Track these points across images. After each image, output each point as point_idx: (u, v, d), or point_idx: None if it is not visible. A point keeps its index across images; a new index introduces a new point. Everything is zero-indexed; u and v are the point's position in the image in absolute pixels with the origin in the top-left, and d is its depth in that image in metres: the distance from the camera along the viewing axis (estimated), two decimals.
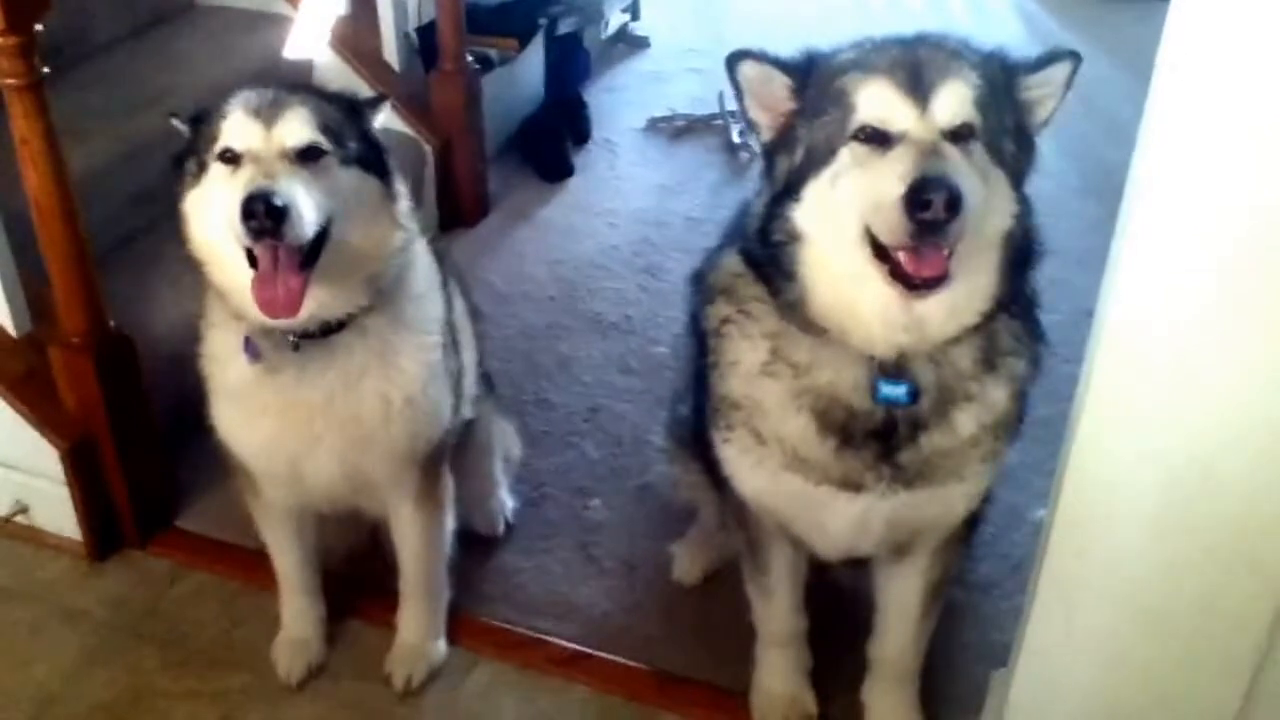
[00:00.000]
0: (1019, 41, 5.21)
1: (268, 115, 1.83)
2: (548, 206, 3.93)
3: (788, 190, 1.61)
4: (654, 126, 4.37)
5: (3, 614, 2.48)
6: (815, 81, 1.61)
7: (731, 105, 4.32)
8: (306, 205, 1.76)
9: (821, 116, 1.58)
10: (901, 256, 1.52)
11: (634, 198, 3.98)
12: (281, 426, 2.02)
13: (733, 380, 1.80)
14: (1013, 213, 1.60)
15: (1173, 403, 1.49)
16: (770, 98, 1.64)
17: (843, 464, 1.74)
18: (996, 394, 1.74)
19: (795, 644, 2.17)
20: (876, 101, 1.53)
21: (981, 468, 1.79)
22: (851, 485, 1.77)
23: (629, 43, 4.99)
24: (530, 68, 4.25)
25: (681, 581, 2.49)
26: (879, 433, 1.71)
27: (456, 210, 3.78)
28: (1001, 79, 1.60)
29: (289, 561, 2.32)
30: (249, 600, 2.48)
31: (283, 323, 1.85)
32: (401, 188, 2.00)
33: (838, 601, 2.26)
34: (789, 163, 1.62)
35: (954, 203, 1.44)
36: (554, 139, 4.19)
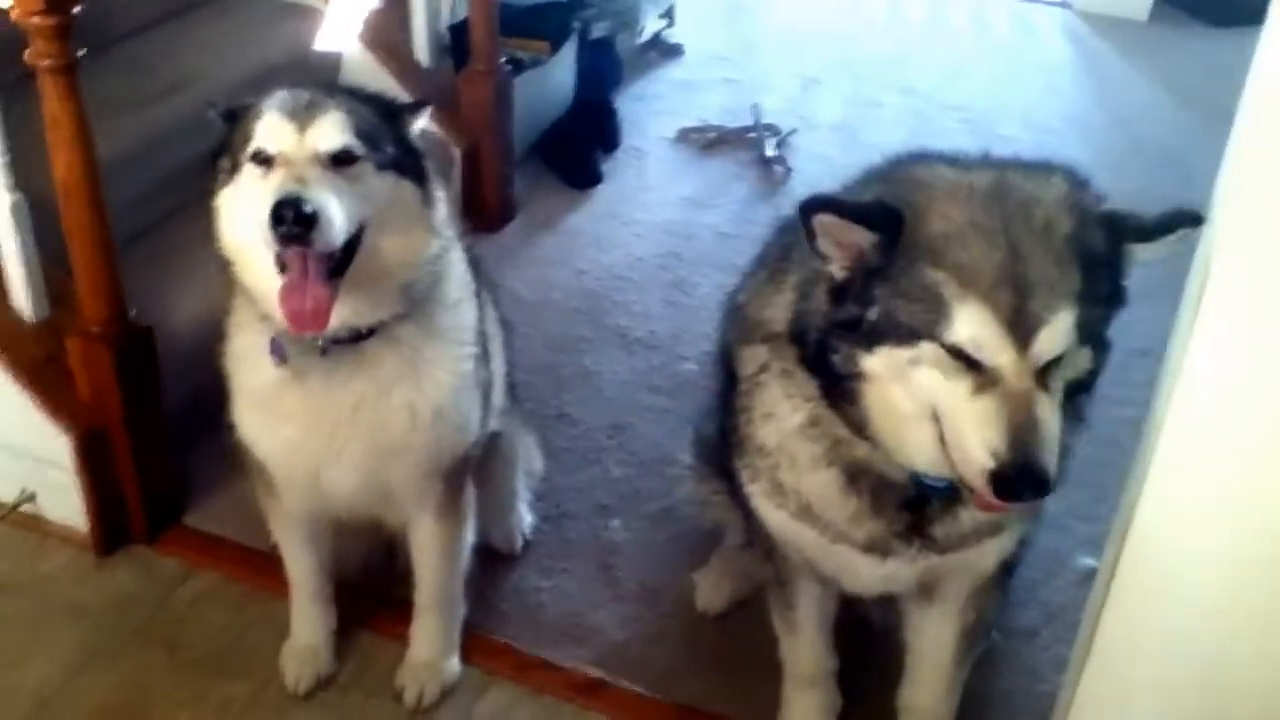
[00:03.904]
0: (1065, 63, 5.16)
1: (302, 118, 1.77)
2: (574, 214, 3.85)
3: (857, 331, 1.49)
4: (685, 137, 4.29)
5: (5, 605, 2.41)
6: (904, 249, 1.45)
7: (766, 119, 4.32)
8: (337, 212, 1.70)
9: (906, 299, 1.45)
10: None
11: (662, 209, 3.90)
12: (305, 433, 1.96)
13: (764, 431, 1.73)
14: (1085, 371, 1.52)
15: (1248, 461, 1.42)
16: (846, 242, 1.49)
17: (867, 530, 1.69)
18: None
19: (824, 684, 2.11)
20: (974, 331, 1.41)
21: (1019, 523, 1.75)
22: (877, 551, 1.72)
23: (662, 50, 4.91)
24: (561, 72, 4.18)
25: (705, 611, 2.42)
26: (910, 503, 1.65)
27: (481, 214, 3.71)
28: (1104, 248, 1.47)
29: (302, 568, 2.25)
30: (257, 604, 2.41)
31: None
32: (440, 193, 1.94)
33: (870, 641, 2.20)
34: (861, 312, 1.49)
35: (1041, 490, 1.41)
36: (582, 145, 4.11)
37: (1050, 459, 1.41)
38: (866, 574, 1.81)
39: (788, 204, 3.80)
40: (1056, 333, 1.42)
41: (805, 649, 2.07)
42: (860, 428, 1.57)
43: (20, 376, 2.43)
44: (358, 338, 1.88)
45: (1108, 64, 5.04)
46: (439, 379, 1.97)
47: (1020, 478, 1.40)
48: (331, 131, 1.77)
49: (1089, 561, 2.38)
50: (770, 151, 4.15)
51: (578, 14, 4.21)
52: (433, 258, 1.90)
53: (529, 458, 2.61)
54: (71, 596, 2.43)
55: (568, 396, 3.03)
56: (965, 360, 1.43)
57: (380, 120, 1.86)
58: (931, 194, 1.48)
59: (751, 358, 1.74)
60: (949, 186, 1.49)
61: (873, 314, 1.48)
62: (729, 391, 1.84)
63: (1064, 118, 4.62)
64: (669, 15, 4.94)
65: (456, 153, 3.60)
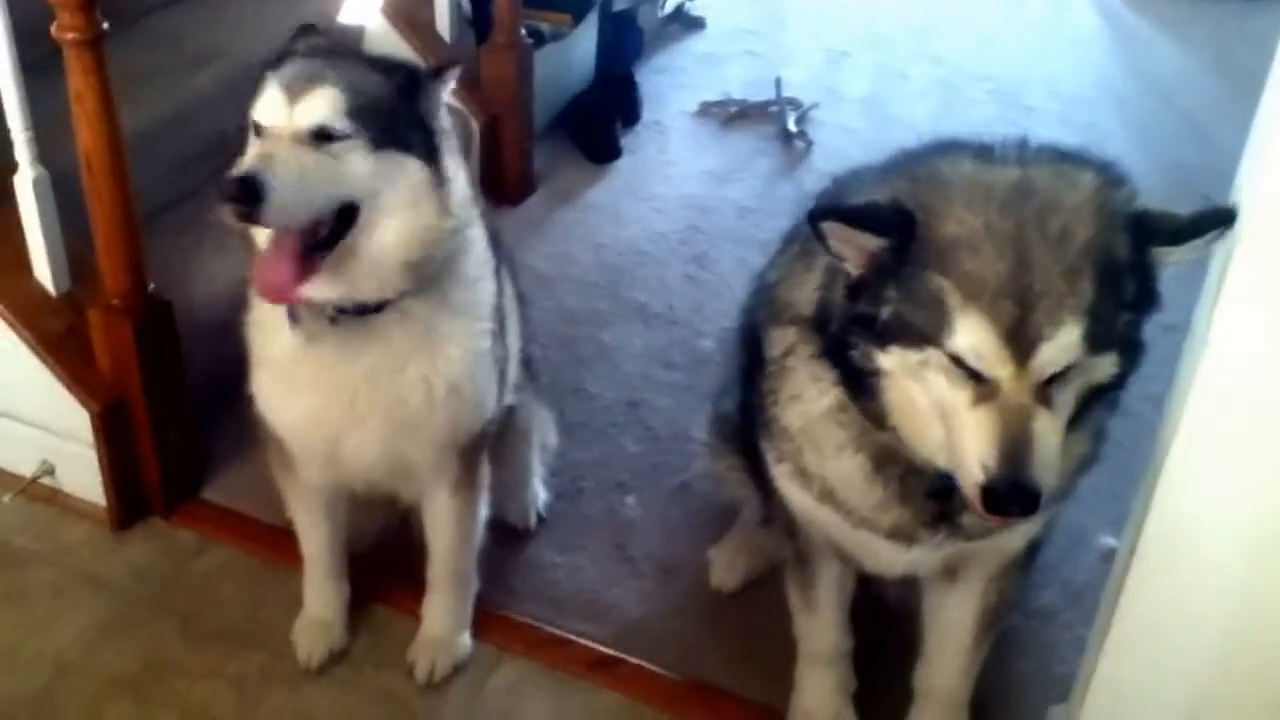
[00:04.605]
0: (1096, 33, 5.10)
1: (297, 91, 1.74)
2: (594, 188, 3.83)
3: (872, 329, 1.48)
4: (706, 110, 4.26)
5: (24, 577, 2.43)
6: (915, 253, 1.43)
7: (791, 92, 4.27)
8: (295, 190, 1.68)
9: (913, 303, 1.43)
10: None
11: (683, 183, 3.88)
12: (323, 403, 1.96)
13: (789, 413, 1.72)
14: (1111, 375, 1.48)
15: (1272, 438, 1.41)
16: (858, 245, 1.48)
17: (893, 518, 1.68)
18: (1077, 441, 1.64)
19: (839, 664, 2.09)
20: (973, 342, 1.40)
21: (1053, 505, 1.72)
22: (903, 537, 1.71)
23: (684, 22, 4.87)
24: (582, 44, 4.16)
25: (720, 588, 2.41)
26: (938, 492, 1.63)
27: (500, 188, 3.69)
28: (1129, 253, 1.43)
29: (317, 541, 2.26)
30: (273, 578, 2.41)
31: (318, 298, 1.81)
32: (456, 172, 1.89)
33: (886, 621, 2.18)
34: (875, 310, 1.47)
35: (1029, 508, 1.40)
36: (603, 119, 4.09)
37: (1042, 476, 1.40)
38: (890, 558, 1.81)
39: (809, 178, 3.83)
40: (1059, 348, 1.39)
41: (822, 628, 2.06)
42: (880, 422, 1.56)
43: (41, 350, 2.43)
44: (367, 310, 1.86)
45: (1140, 34, 4.97)
46: (453, 354, 1.96)
47: (1008, 494, 1.40)
48: (317, 107, 1.73)
49: (1110, 540, 2.36)
50: (791, 125, 4.11)
51: None
52: (445, 237, 1.86)
53: (544, 433, 2.60)
54: (90, 568, 2.45)
55: (584, 372, 3.02)
56: (967, 370, 1.42)
57: (391, 94, 1.80)
58: (949, 195, 1.44)
59: (779, 339, 1.72)
60: (967, 186, 1.45)
61: (885, 313, 1.47)
62: (754, 370, 1.83)
63: (1094, 88, 4.56)
64: None
65: (476, 126, 3.57)
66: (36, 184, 2.34)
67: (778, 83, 4.28)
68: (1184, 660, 1.60)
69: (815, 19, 5.00)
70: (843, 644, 2.08)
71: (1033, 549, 1.90)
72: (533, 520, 2.55)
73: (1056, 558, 2.41)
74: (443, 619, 2.27)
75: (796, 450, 1.73)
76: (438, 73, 1.86)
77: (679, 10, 4.87)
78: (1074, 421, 1.52)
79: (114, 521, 2.52)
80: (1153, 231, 1.43)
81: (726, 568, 2.43)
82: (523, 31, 3.63)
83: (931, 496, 1.64)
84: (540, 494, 2.58)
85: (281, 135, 1.73)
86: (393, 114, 1.79)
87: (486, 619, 2.33)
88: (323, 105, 1.73)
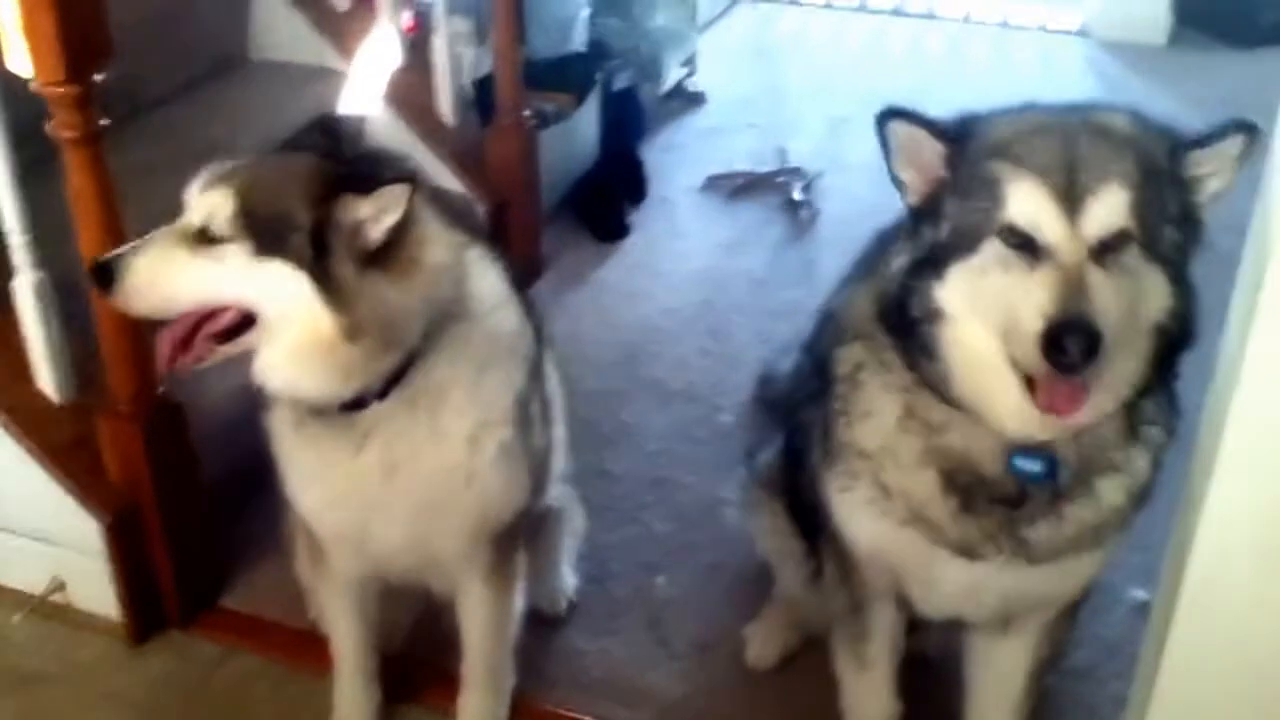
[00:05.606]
0: (1087, 91, 5.08)
1: (201, 188, 1.75)
2: (603, 268, 3.81)
3: (931, 262, 1.55)
4: (712, 184, 4.25)
5: (41, 699, 2.35)
6: (969, 154, 1.53)
7: (795, 162, 4.27)
8: (149, 281, 1.73)
9: (970, 199, 1.51)
10: (1036, 383, 1.48)
11: (693, 258, 3.86)
12: (341, 490, 1.90)
13: (863, 430, 1.73)
14: (1167, 307, 1.51)
15: None
16: (920, 160, 1.57)
17: (960, 528, 1.67)
18: (1140, 462, 1.66)
19: None
20: (1025, 204, 1.46)
21: (1117, 535, 1.71)
22: (966, 552, 1.68)
23: (686, 98, 4.89)
24: (586, 124, 4.15)
25: (756, 665, 2.35)
26: (1006, 501, 1.63)
27: (510, 270, 3.66)
28: (1166, 162, 1.51)
29: (349, 638, 2.19)
30: (298, 685, 2.33)
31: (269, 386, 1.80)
32: (391, 303, 1.72)
33: (926, 686, 2.11)
34: (934, 235, 1.56)
35: (1092, 349, 1.39)
36: (610, 198, 4.08)
37: (1100, 320, 1.41)
38: (955, 580, 1.76)
39: (816, 246, 3.80)
40: (1108, 206, 1.44)
41: (874, 687, 2.00)
42: (945, 386, 1.57)
43: (47, 461, 2.38)
44: (353, 404, 1.80)
45: (1129, 89, 5.01)
46: (461, 446, 1.88)
47: (1066, 330, 1.40)
48: (203, 208, 1.72)
49: (1141, 593, 2.34)
50: (796, 194, 4.10)
51: (600, 65, 4.19)
52: (360, 350, 1.72)
53: (572, 516, 2.53)
54: (108, 686, 2.37)
55: (606, 452, 2.97)
56: (1022, 247, 1.46)
57: (297, 200, 1.69)
58: (1000, 119, 1.57)
59: (847, 357, 1.75)
60: (1017, 115, 1.58)
61: (944, 231, 1.54)
62: (821, 399, 1.82)
63: None
64: (691, 63, 4.92)
65: (482, 209, 3.55)
66: (37, 289, 2.31)
67: (781, 153, 4.27)
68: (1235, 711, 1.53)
69: (814, 87, 5.03)
70: (893, 708, 2.02)
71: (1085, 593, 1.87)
72: (562, 606, 2.49)
73: (1088, 613, 2.30)
74: (478, 717, 2.19)
75: (876, 469, 1.72)
76: (365, 188, 1.68)
77: (679, 87, 4.89)
78: (1144, 393, 1.55)
79: (130, 635, 2.44)
80: (1181, 141, 1.52)
81: (763, 644, 2.37)
82: (527, 113, 3.63)
83: (997, 503, 1.64)
84: (569, 579, 2.52)
85: (177, 228, 1.74)
86: (286, 223, 1.68)
87: (522, 711, 2.25)
88: (208, 206, 1.72)
